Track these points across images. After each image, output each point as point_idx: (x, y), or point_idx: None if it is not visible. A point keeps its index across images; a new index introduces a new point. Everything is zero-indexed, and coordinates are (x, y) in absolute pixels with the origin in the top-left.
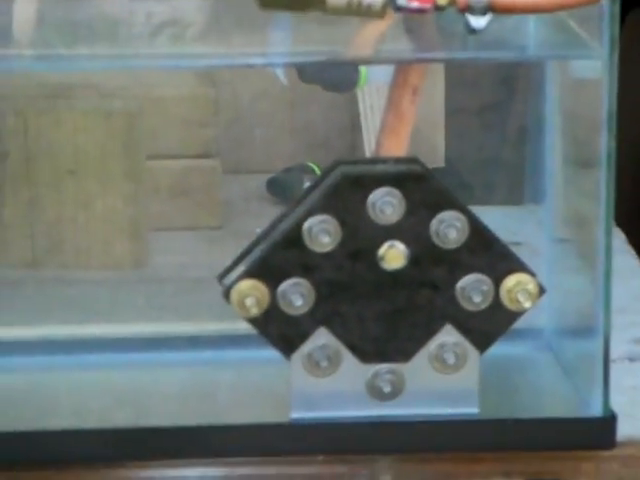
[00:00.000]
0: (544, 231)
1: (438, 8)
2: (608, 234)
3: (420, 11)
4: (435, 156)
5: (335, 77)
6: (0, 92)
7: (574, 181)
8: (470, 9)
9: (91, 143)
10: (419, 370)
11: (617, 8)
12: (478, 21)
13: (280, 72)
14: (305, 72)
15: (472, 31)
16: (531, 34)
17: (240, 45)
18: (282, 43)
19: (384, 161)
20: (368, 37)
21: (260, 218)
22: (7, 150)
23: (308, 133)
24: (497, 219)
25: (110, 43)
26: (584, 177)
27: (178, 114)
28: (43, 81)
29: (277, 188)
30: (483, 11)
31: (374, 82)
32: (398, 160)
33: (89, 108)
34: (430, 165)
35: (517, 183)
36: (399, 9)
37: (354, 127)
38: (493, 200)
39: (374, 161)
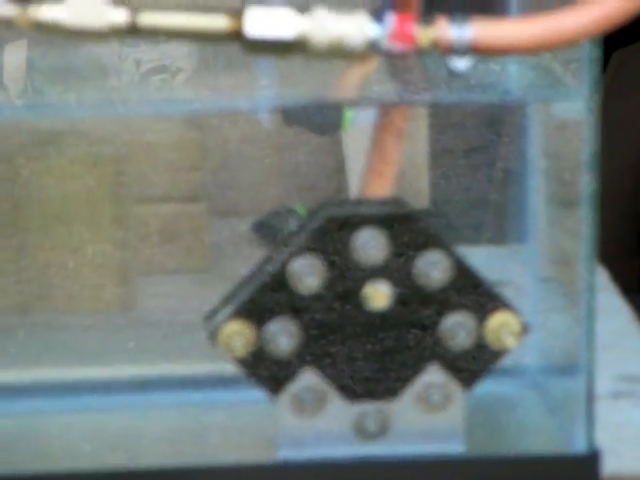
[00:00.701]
0: (528, 270)
1: (420, 51)
2: (591, 272)
3: (402, 54)
4: (419, 197)
5: (319, 120)
6: None
7: (558, 220)
8: (453, 50)
9: (79, 189)
10: (405, 409)
11: (598, 51)
12: (461, 63)
13: (265, 116)
14: (289, 115)
15: (455, 74)
16: (514, 77)
17: (226, 90)
18: (267, 87)
19: (369, 202)
20: (352, 80)
21: (247, 260)
22: None
23: (295, 176)
24: (482, 259)
25: (99, 90)
26: (567, 216)
27: (165, 159)
28: (32, 128)
29: (264, 231)
30: (465, 53)
31: (359, 125)
32: (383, 201)
33: (77, 154)
34: (414, 206)
35: (501, 223)
36: (381, 52)
37: (340, 170)
38: (477, 240)
39: (359, 202)
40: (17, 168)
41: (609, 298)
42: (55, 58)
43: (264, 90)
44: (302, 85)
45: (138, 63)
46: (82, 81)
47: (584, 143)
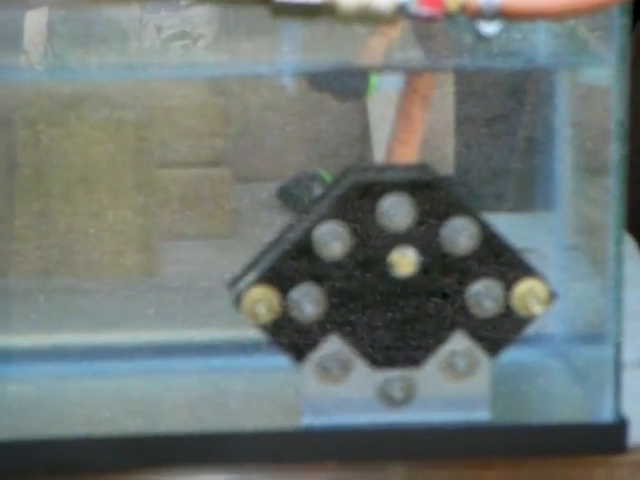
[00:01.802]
0: (554, 238)
1: (449, 15)
2: (618, 241)
3: (430, 18)
4: (444, 164)
5: (345, 85)
6: (11, 103)
7: (584, 188)
8: (481, 15)
9: (101, 154)
10: (430, 377)
11: (627, 18)
12: (489, 28)
13: (288, 81)
14: (315, 80)
15: (483, 38)
16: (541, 43)
17: (248, 55)
18: (292, 52)
19: (394, 168)
20: (378, 45)
21: (271, 226)
22: (17, 161)
23: (318, 143)
24: (507, 226)
25: (120, 55)
26: (594, 185)
27: (188, 124)
28: (54, 93)
29: (288, 196)
30: (494, 17)
31: (384, 91)
32: (408, 167)
33: (99, 120)
34: (440, 172)
35: (527, 190)
36: (409, 16)
37: (364, 137)
38: (503, 207)
39: (384, 168)
40: (38, 134)
41: (635, 267)
42: (76, 24)
43: (287, 55)
44: (326, 51)
45: (159, 29)
46: (103, 46)
47: (611, 111)
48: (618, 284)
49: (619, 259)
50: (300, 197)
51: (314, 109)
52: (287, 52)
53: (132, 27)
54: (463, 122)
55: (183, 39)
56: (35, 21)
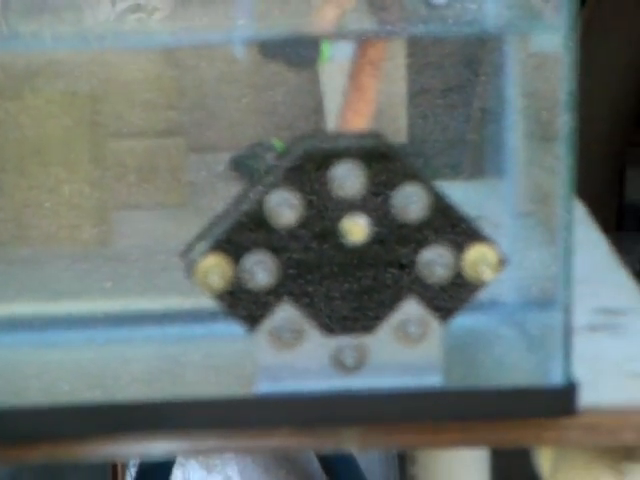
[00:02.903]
0: (506, 206)
1: None
2: (569, 209)
3: None
4: (397, 133)
5: (297, 54)
6: None
7: (536, 157)
8: None
9: (56, 126)
10: (383, 342)
11: None
12: None
13: (240, 51)
14: (266, 49)
15: (433, 6)
16: (492, 11)
17: (202, 24)
18: (244, 21)
19: (346, 136)
20: (331, 13)
21: (224, 196)
22: None
23: (272, 113)
24: (459, 194)
25: (74, 26)
26: (545, 153)
27: (142, 96)
28: (7, 65)
29: (241, 166)
30: None
31: (337, 60)
32: (360, 135)
33: (53, 92)
34: (392, 140)
35: (479, 158)
36: None
37: (317, 108)
38: (455, 176)
39: (336, 136)
40: None
41: (586, 232)
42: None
43: (240, 24)
44: (279, 19)
45: (113, 2)
46: (56, 18)
47: (562, 81)
48: (568, 250)
49: (569, 226)
50: (253, 167)
51: (268, 80)
52: (240, 21)
53: (86, 0)
54: (415, 91)
55: (137, 12)
56: None
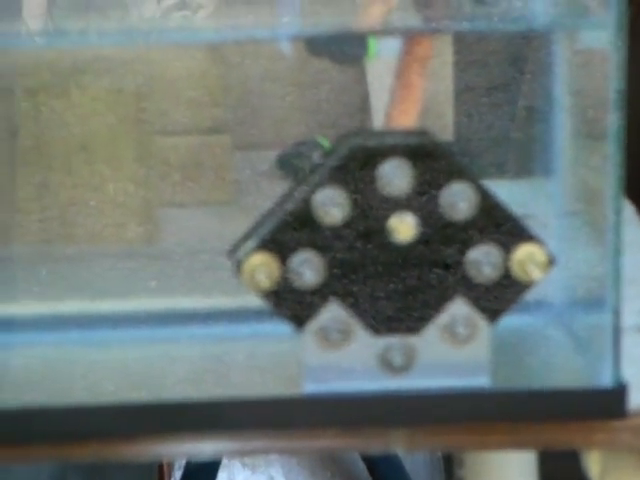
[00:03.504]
0: (553, 204)
1: None
2: (617, 209)
3: None
4: (444, 130)
5: (344, 50)
6: (10, 71)
7: (584, 156)
8: None
9: (102, 124)
10: (430, 343)
11: None
12: None
13: (287, 48)
14: (313, 45)
15: (480, 3)
16: (540, 7)
17: (248, 21)
18: (291, 17)
19: (393, 133)
20: (377, 10)
21: (271, 194)
22: (17, 128)
23: (318, 111)
24: (507, 192)
25: (121, 22)
26: (593, 152)
27: (188, 93)
28: (54, 63)
29: (287, 164)
30: None
31: (383, 58)
32: (407, 132)
33: (99, 89)
34: (439, 137)
35: (526, 157)
36: None
37: (363, 107)
38: (502, 174)
39: (383, 134)
40: (39, 104)
41: (634, 232)
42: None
43: (286, 20)
44: (325, 16)
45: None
46: (102, 16)
47: (610, 79)
48: (616, 251)
49: (618, 226)
50: (299, 165)
51: (314, 77)
52: (286, 18)
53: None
54: (463, 89)
55: (183, 9)
56: None
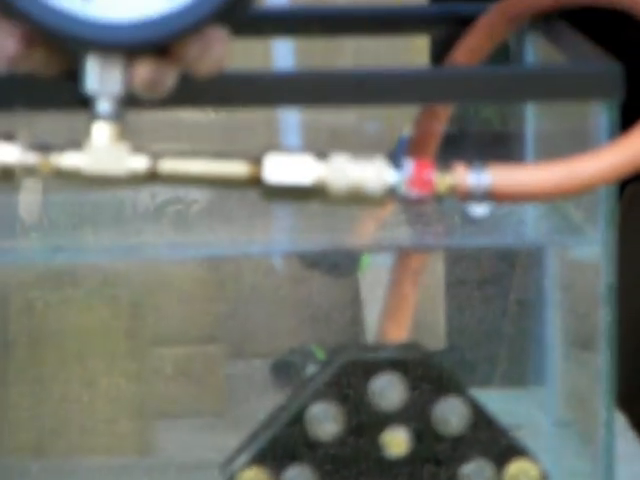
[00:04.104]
0: (546, 413)
1: (438, 197)
2: (609, 410)
3: (420, 200)
4: (436, 338)
5: (336, 265)
6: (6, 279)
7: (575, 360)
8: (470, 197)
9: (96, 329)
10: None
11: (613, 201)
12: (478, 209)
13: (280, 261)
14: (307, 260)
15: (472, 220)
16: (530, 221)
17: (242, 231)
18: (284, 232)
19: (385, 347)
20: (369, 225)
21: (265, 402)
22: (9, 337)
23: (312, 322)
24: (499, 402)
25: (115, 227)
26: (584, 355)
27: (182, 300)
28: (48, 265)
29: (281, 372)
30: (483, 199)
31: (375, 266)
32: (399, 346)
33: (93, 296)
34: (431, 347)
35: (520, 364)
36: (399, 198)
37: (356, 314)
38: (496, 381)
39: (375, 347)
40: (31, 304)
41: (627, 444)
42: (70, 195)
43: (280, 235)
44: (319, 230)
45: (153, 195)
46: (98, 215)
47: (600, 278)
48: (609, 454)
49: (610, 429)
50: (293, 373)
51: (307, 287)
52: (280, 234)
53: (126, 193)
54: (454, 297)
55: (176, 204)
56: (29, 198)
